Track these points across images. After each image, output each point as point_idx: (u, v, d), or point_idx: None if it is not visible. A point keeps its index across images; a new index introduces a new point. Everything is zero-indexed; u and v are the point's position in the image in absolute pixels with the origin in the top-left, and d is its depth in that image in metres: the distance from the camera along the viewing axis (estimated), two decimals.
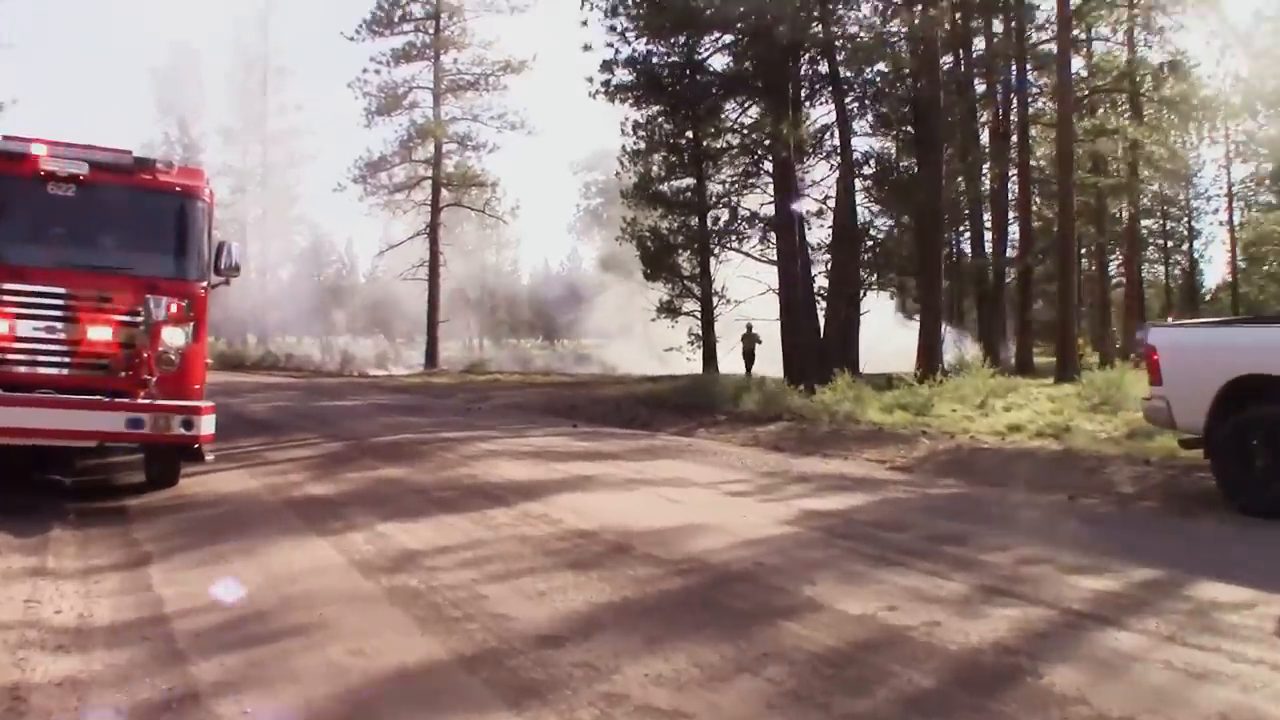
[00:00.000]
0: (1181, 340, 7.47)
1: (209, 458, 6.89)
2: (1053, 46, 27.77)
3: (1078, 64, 27.00)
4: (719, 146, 22.96)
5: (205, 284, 7.10)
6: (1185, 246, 46.73)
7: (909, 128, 21.56)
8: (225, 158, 49.05)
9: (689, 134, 24.23)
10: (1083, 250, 40.95)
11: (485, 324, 69.59)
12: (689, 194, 30.14)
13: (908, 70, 19.90)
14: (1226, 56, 27.05)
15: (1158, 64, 24.30)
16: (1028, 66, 26.57)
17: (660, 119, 24.31)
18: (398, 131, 37.84)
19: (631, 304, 43.13)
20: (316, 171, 77.26)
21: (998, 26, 27.82)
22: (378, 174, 37.74)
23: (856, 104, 21.20)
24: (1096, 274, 44.37)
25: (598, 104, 22.07)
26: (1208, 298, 47.27)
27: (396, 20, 36.57)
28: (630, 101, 22.15)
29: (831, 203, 21.21)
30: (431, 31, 36.83)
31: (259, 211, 51.04)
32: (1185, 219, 45.58)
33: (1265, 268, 46.67)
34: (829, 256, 20.82)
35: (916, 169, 19.63)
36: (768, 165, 22.45)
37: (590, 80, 21.86)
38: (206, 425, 6.38)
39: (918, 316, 26.43)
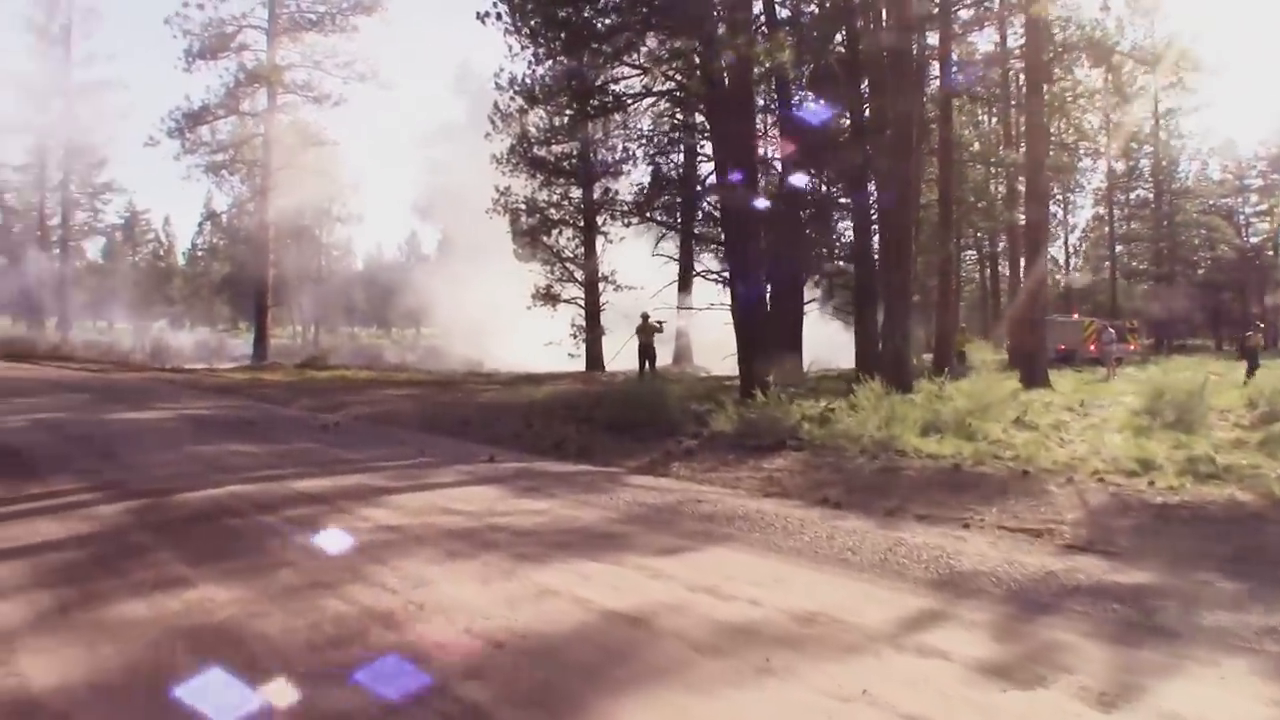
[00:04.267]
0: None
1: None
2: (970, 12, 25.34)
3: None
4: (632, 92, 18.65)
5: None
6: (1061, 242, 46.46)
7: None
8: (21, 113, 42.07)
9: (575, 83, 19.90)
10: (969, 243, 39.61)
11: (317, 311, 62.71)
12: (574, 160, 26.06)
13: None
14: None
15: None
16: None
17: (549, 61, 19.73)
18: (223, 77, 31.87)
19: (490, 290, 38.61)
20: (129, 132, 67.78)
21: None
22: (198, 127, 31.48)
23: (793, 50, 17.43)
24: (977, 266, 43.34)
25: (458, 51, 17.08)
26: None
27: None
28: (529, 27, 17.38)
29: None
30: None
31: (59, 176, 43.59)
32: (1061, 212, 45.15)
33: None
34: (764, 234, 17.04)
35: (880, 127, 16.21)
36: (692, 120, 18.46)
37: None
38: None
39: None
